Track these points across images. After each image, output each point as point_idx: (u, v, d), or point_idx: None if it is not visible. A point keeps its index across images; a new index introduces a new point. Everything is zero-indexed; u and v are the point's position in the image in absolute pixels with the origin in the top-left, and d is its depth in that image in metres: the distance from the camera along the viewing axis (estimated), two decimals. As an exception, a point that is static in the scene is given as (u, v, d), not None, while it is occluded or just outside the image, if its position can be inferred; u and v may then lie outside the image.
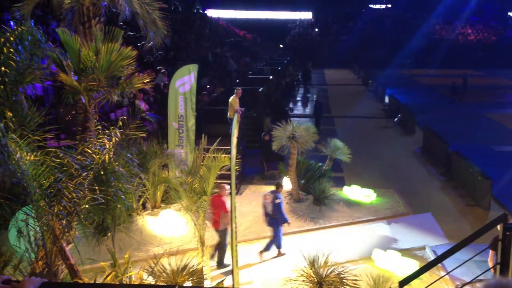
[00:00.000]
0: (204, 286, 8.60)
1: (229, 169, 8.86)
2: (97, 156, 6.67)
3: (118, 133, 7.05)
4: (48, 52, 8.33)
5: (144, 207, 12.99)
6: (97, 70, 8.70)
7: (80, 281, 7.00)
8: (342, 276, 7.57)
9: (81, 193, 6.34)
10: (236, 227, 8.73)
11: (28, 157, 6.09)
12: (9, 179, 6.18)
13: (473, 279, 7.25)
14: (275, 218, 11.02)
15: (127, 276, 7.96)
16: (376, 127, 25.38)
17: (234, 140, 8.98)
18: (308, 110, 30.51)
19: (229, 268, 9.95)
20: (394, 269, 10.14)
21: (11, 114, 6.61)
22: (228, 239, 10.33)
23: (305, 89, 39.95)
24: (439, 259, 6.47)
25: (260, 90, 23.24)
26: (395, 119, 25.24)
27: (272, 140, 14.04)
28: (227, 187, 10.69)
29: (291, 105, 31.12)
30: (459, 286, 8.95)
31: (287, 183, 13.78)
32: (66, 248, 6.96)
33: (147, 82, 9.74)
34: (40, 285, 3.17)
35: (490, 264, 7.98)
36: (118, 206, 6.85)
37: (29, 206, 6.24)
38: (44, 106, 12.07)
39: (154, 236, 11.62)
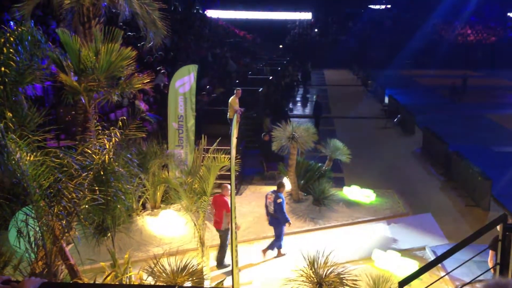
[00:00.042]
0: (204, 286, 8.60)
1: (229, 170, 8.86)
2: (97, 157, 6.67)
3: (118, 134, 7.05)
4: (48, 53, 8.34)
5: (144, 207, 12.99)
6: (97, 70, 8.71)
7: (80, 281, 7.00)
8: (342, 276, 7.57)
9: (81, 193, 6.34)
10: (235, 227, 8.73)
11: (28, 158, 6.09)
12: (9, 179, 6.18)
13: (473, 280, 7.25)
14: (276, 218, 11.03)
15: (126, 277, 7.97)
16: (375, 127, 25.39)
17: (233, 140, 8.98)
18: (307, 111, 30.51)
19: (229, 268, 9.96)
20: (394, 269, 10.14)
21: (11, 115, 6.61)
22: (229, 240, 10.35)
23: (304, 90, 39.96)
24: (439, 260, 6.47)
25: (260, 90, 23.24)
26: (395, 120, 25.25)
27: (271, 140, 14.05)
28: (229, 187, 10.73)
29: (290, 105, 31.13)
30: (459, 287, 8.95)
31: (286, 184, 13.77)
32: (66, 249, 6.97)
33: (147, 82, 9.75)
34: (40, 285, 3.17)
35: (490, 265, 7.99)
36: (118, 206, 6.85)
37: (29, 206, 6.24)
38: (44, 106, 12.07)
39: (154, 237, 11.63)
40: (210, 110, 18.05)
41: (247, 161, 16.25)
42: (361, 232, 12.33)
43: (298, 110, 31.23)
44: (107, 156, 6.67)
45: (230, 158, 8.80)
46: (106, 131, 7.07)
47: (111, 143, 6.85)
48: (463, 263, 6.61)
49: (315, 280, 7.52)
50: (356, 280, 7.66)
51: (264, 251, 11.00)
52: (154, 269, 7.74)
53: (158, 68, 19.84)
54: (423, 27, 57.17)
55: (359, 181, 14.99)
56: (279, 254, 11.10)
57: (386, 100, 31.61)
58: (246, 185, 15.38)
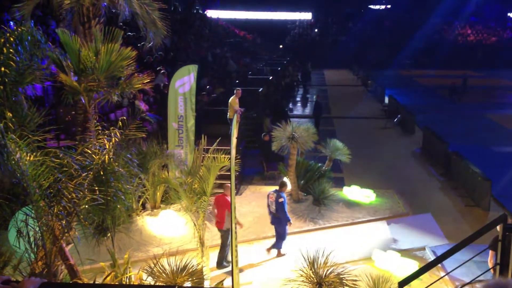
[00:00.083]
0: (204, 286, 8.60)
1: (229, 170, 8.86)
2: (97, 157, 6.67)
3: (118, 134, 7.05)
4: (48, 53, 8.34)
5: (143, 207, 12.99)
6: (97, 70, 8.71)
7: (80, 282, 7.00)
8: (341, 276, 7.56)
9: (81, 193, 6.34)
10: (236, 228, 8.73)
11: (27, 158, 6.09)
12: (8, 179, 6.18)
13: (472, 280, 7.25)
14: (278, 217, 11.04)
15: (126, 277, 7.97)
16: (375, 127, 25.39)
17: (233, 140, 8.97)
18: (307, 111, 30.51)
19: (229, 268, 9.96)
20: (394, 269, 10.14)
21: (11, 115, 6.61)
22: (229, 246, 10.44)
23: (304, 90, 39.96)
24: (439, 260, 6.47)
25: (260, 90, 23.24)
26: (395, 120, 25.25)
27: (271, 140, 14.05)
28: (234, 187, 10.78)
29: (290, 105, 31.13)
30: (459, 287, 8.95)
31: (288, 184, 13.78)
32: (66, 249, 6.96)
33: (147, 82, 9.75)
34: (40, 286, 3.17)
35: (490, 265, 7.98)
36: (118, 206, 6.85)
37: (29, 206, 6.24)
38: (44, 106, 12.07)
39: (153, 237, 11.63)
40: (210, 110, 18.05)
41: (247, 161, 16.25)
42: (361, 232, 12.33)
43: (298, 110, 31.23)
44: (107, 156, 6.67)
45: (230, 158, 8.79)
46: (106, 131, 7.07)
47: (111, 143, 6.85)
48: (463, 263, 6.61)
49: (315, 280, 7.51)
50: (356, 280, 7.64)
51: (269, 250, 11.06)
52: (154, 269, 7.73)
53: (158, 68, 19.84)
54: (423, 27, 57.18)
55: (359, 181, 14.99)
56: (279, 254, 11.11)
57: (386, 100, 31.62)
58: (246, 185, 15.38)
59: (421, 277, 6.26)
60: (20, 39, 7.13)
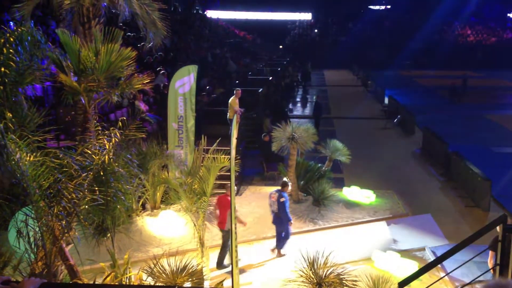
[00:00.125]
0: (204, 287, 8.60)
1: (229, 170, 8.86)
2: (97, 157, 6.67)
3: (118, 134, 7.05)
4: (48, 53, 8.35)
5: (143, 207, 12.99)
6: (96, 70, 8.71)
7: (80, 282, 7.00)
8: (341, 277, 7.55)
9: (81, 193, 6.34)
10: (236, 228, 8.72)
11: (27, 158, 6.09)
12: (8, 179, 6.18)
13: (472, 280, 7.25)
14: (280, 217, 11.05)
15: (126, 277, 7.96)
16: (375, 128, 25.39)
17: (233, 141, 8.98)
18: (307, 111, 30.52)
19: (229, 268, 9.96)
20: (394, 270, 10.14)
21: (11, 115, 6.61)
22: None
23: (304, 90, 39.97)
24: (439, 260, 6.47)
25: (260, 91, 23.24)
26: (395, 120, 25.25)
27: (271, 141, 14.04)
28: (235, 187, 10.79)
29: (290, 106, 31.13)
30: (459, 287, 8.95)
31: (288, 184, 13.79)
32: (66, 249, 6.96)
33: (147, 83, 9.75)
34: (40, 286, 3.17)
35: (490, 265, 7.98)
36: (118, 206, 6.85)
37: (29, 206, 6.23)
38: (43, 106, 12.06)
39: (153, 237, 11.63)
40: (210, 110, 18.05)
41: (247, 161, 16.25)
42: (361, 232, 12.33)
43: (298, 110, 31.23)
44: (107, 157, 6.67)
45: (230, 159, 8.79)
46: (106, 132, 7.07)
47: (111, 143, 6.86)
48: (463, 264, 6.60)
49: (315, 281, 7.51)
50: (355, 281, 7.64)
51: (273, 250, 11.10)
52: (154, 269, 7.73)
53: (158, 69, 19.83)
54: (423, 28, 57.20)
55: (359, 182, 14.99)
56: (279, 255, 11.11)
57: (386, 100, 31.62)
58: (246, 185, 15.38)
59: (421, 277, 6.26)
60: (20, 40, 7.13)
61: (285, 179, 13.79)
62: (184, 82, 13.55)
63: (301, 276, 7.66)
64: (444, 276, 8.86)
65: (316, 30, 65.54)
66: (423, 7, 62.36)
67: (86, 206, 6.47)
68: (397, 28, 60.78)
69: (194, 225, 9.34)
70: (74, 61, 8.82)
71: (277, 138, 13.53)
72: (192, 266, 7.86)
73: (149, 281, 7.72)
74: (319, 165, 14.79)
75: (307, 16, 67.79)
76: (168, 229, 11.80)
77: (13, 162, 5.95)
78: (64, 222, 6.30)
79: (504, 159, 18.71)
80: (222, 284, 8.72)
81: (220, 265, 10.55)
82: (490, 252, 7.98)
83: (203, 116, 16.82)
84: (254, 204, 13.63)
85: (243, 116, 16.60)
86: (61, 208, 6.26)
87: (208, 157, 9.56)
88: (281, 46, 58.08)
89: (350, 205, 13.77)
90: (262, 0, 63.31)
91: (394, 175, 16.88)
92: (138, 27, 11.84)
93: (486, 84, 42.16)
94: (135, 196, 11.18)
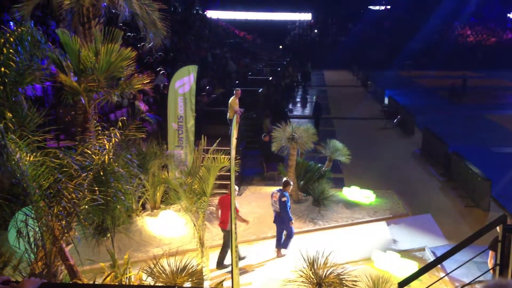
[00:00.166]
0: (204, 287, 8.59)
1: (229, 170, 8.86)
2: (97, 157, 6.67)
3: (118, 134, 7.05)
4: (48, 53, 8.35)
5: (143, 208, 12.99)
6: (96, 71, 8.71)
7: (80, 282, 7.00)
8: (341, 277, 7.55)
9: (81, 193, 6.34)
10: (236, 228, 8.72)
11: (27, 158, 6.10)
12: (8, 179, 6.18)
13: (472, 280, 7.25)
14: (281, 217, 11.06)
15: (126, 277, 7.96)
16: (375, 128, 25.40)
17: (233, 141, 8.98)
18: (307, 111, 30.53)
19: (229, 268, 9.95)
20: (394, 270, 10.14)
21: (10, 115, 6.61)
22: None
23: (304, 90, 39.98)
24: (439, 260, 6.47)
25: (260, 91, 23.24)
26: (395, 120, 25.26)
27: (271, 141, 14.04)
28: (236, 187, 10.82)
29: (290, 106, 31.14)
30: (459, 287, 8.95)
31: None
32: (66, 249, 6.96)
33: (147, 83, 9.76)
34: (40, 286, 3.17)
35: (490, 265, 7.98)
36: (118, 207, 6.85)
37: (29, 206, 6.23)
38: (43, 106, 12.06)
39: (153, 237, 11.62)
40: (209, 110, 18.06)
41: (247, 161, 16.25)
42: (361, 233, 12.32)
43: (298, 110, 31.24)
44: (106, 157, 6.67)
45: (229, 159, 8.79)
46: (106, 132, 7.07)
47: (111, 143, 6.86)
48: (463, 264, 6.60)
49: (315, 281, 7.50)
50: (355, 281, 7.64)
51: (279, 250, 11.07)
52: (154, 269, 7.72)
53: (158, 69, 19.84)
54: (423, 28, 57.23)
55: (359, 182, 14.99)
56: (279, 255, 11.11)
57: (386, 101, 31.64)
58: (246, 185, 15.37)
59: (420, 277, 6.26)
60: (20, 40, 7.13)
61: (285, 178, 13.82)
62: (184, 82, 13.55)
63: (301, 276, 7.66)
64: (444, 276, 8.85)
65: (316, 31, 65.57)
66: (423, 8, 62.38)
67: (86, 206, 6.47)
68: (397, 29, 60.81)
69: (194, 225, 9.34)
70: (74, 61, 8.83)
71: (277, 138, 13.53)
72: (192, 266, 7.86)
73: (149, 281, 7.72)
74: (319, 165, 14.79)
75: (307, 16, 67.81)
76: (168, 229, 11.80)
77: (13, 162, 5.95)
78: (64, 222, 6.30)
79: (504, 159, 18.71)
80: (222, 284, 8.72)
81: (220, 265, 10.55)
82: (490, 252, 7.98)
83: (203, 116, 16.82)
84: (254, 204, 13.63)
85: (243, 116, 16.61)
86: (61, 208, 6.26)
87: (208, 157, 9.56)
88: (281, 46, 58.11)
89: (350, 205, 13.77)
90: (262, 1, 63.32)
91: (394, 175, 16.88)
92: (138, 27, 11.84)
93: (486, 84, 42.18)
94: (135, 196, 11.18)
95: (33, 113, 7.21)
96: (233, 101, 15.42)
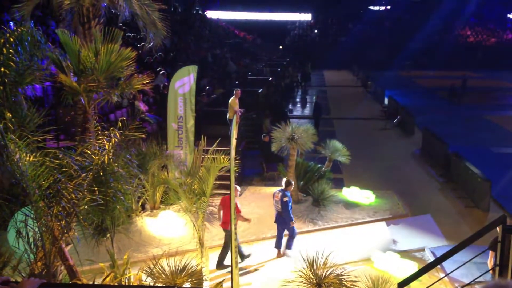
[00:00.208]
0: (203, 287, 8.59)
1: (229, 171, 8.86)
2: (97, 157, 6.66)
3: (118, 134, 7.05)
4: (47, 53, 8.35)
5: (143, 208, 12.99)
6: (96, 71, 8.71)
7: (79, 282, 7.00)
8: (341, 277, 7.55)
9: (80, 194, 6.34)
10: (236, 228, 8.73)
11: (27, 158, 6.09)
12: (8, 180, 6.18)
13: (472, 281, 7.25)
14: (283, 216, 11.06)
15: (126, 277, 7.96)
16: (375, 128, 25.40)
17: (233, 141, 8.97)
18: (307, 112, 30.52)
19: (229, 269, 9.95)
20: (393, 270, 10.13)
21: (10, 115, 6.61)
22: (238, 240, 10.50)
23: (304, 91, 39.97)
24: (438, 261, 6.47)
25: (260, 91, 23.25)
26: (394, 121, 25.26)
27: (271, 141, 14.04)
28: (239, 188, 10.82)
29: (290, 106, 31.14)
30: (458, 288, 8.95)
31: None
32: (65, 249, 6.96)
33: (147, 83, 9.75)
34: (39, 286, 3.17)
35: (490, 265, 7.98)
36: (117, 207, 6.85)
37: (28, 207, 6.23)
38: (43, 107, 12.06)
39: (153, 237, 11.62)
40: (209, 111, 18.06)
41: (246, 162, 16.24)
42: (361, 233, 12.32)
43: (297, 111, 31.24)
44: (106, 157, 6.67)
45: (229, 159, 8.79)
46: (106, 132, 7.07)
47: (110, 143, 6.85)
48: (463, 265, 6.61)
49: (314, 281, 7.51)
50: (355, 281, 7.64)
51: (285, 251, 11.07)
52: (153, 269, 7.73)
53: (157, 69, 19.84)
54: (423, 28, 57.25)
55: (359, 182, 14.99)
56: (278, 255, 11.11)
57: (386, 101, 31.64)
58: (245, 186, 15.37)
59: (420, 278, 6.26)
60: (20, 40, 7.13)
61: (287, 178, 13.83)
62: (184, 82, 13.55)
63: (301, 276, 7.66)
64: (443, 277, 8.85)
65: (316, 31, 65.58)
66: (423, 8, 62.39)
67: (86, 206, 6.47)
68: (397, 29, 60.83)
69: (194, 225, 9.34)
70: (74, 61, 8.82)
71: (277, 139, 13.53)
72: (192, 267, 7.86)
73: (149, 281, 7.72)
74: (319, 165, 14.79)
75: (307, 16, 67.82)
76: (168, 230, 11.80)
77: (13, 162, 5.95)
78: (63, 222, 6.30)
79: (504, 159, 18.72)
80: (222, 285, 8.72)
81: (220, 265, 10.54)
82: (490, 252, 7.98)
83: (203, 116, 16.82)
84: (253, 205, 13.63)
85: (242, 116, 16.60)
86: (60, 208, 6.26)
87: (208, 157, 9.55)
88: (281, 47, 58.11)
89: (350, 205, 13.77)
90: (262, 1, 63.32)
91: (394, 175, 16.88)
92: (138, 28, 11.84)
93: (485, 85, 42.18)
94: (135, 196, 11.18)
95: (32, 113, 7.21)
96: (233, 101, 15.42)
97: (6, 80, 6.84)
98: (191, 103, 13.62)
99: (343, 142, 15.44)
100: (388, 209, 13.64)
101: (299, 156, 14.53)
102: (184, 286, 7.63)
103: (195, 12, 47.77)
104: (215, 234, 11.26)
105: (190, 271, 7.77)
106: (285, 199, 10.96)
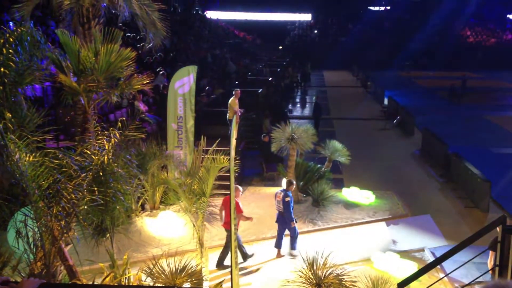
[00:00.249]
0: (203, 287, 8.59)
1: (228, 171, 8.85)
2: (96, 157, 6.66)
3: (117, 134, 7.05)
4: (47, 53, 8.34)
5: (143, 208, 12.98)
6: (96, 71, 8.70)
7: (79, 282, 6.99)
8: (340, 277, 7.55)
9: (80, 194, 6.33)
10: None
11: (27, 158, 6.09)
12: (8, 180, 6.18)
13: (472, 281, 7.25)
14: (284, 216, 11.06)
15: (125, 277, 7.96)
16: (375, 128, 25.40)
17: (233, 141, 8.97)
18: (307, 112, 30.52)
19: (228, 269, 9.95)
20: (393, 270, 10.13)
21: (10, 115, 6.61)
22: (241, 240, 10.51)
23: (304, 91, 39.97)
24: (438, 261, 6.47)
25: (260, 91, 23.25)
26: (394, 121, 25.26)
27: (271, 141, 14.04)
28: (241, 188, 10.81)
29: (290, 106, 31.14)
30: (458, 288, 8.95)
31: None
32: (65, 249, 6.96)
33: (147, 83, 9.75)
34: (39, 286, 3.17)
35: (490, 265, 7.98)
36: (117, 207, 6.85)
37: (28, 207, 6.23)
38: (43, 107, 12.07)
39: (153, 237, 11.62)
40: (209, 111, 18.06)
41: (246, 162, 16.24)
42: (360, 233, 12.32)
43: (297, 111, 31.23)
44: (106, 157, 6.66)
45: (229, 159, 8.79)
46: (105, 132, 7.06)
47: (110, 144, 6.85)
48: (462, 265, 6.60)
49: (314, 282, 7.51)
50: (355, 282, 7.64)
51: (291, 253, 11.05)
52: (153, 270, 7.73)
53: (157, 69, 19.85)
54: (423, 29, 57.25)
55: (359, 183, 14.99)
56: (278, 255, 11.10)
57: (386, 101, 31.64)
58: (245, 186, 15.36)
59: (420, 278, 6.26)
60: (20, 40, 7.13)
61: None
62: (184, 82, 13.55)
63: (301, 276, 7.66)
64: (443, 277, 8.85)
65: (315, 31, 65.55)
66: (423, 8, 62.39)
67: (85, 207, 6.47)
68: (397, 29, 60.79)
69: (194, 225, 9.34)
70: (74, 61, 8.82)
71: (277, 139, 13.53)
72: (191, 267, 7.86)
73: (148, 281, 7.72)
74: (319, 165, 14.78)
75: (307, 17, 67.80)
76: (167, 230, 11.80)
77: (13, 163, 5.95)
78: (63, 223, 6.29)
79: (504, 160, 18.72)
80: (221, 285, 8.72)
81: (220, 264, 10.55)
82: (491, 253, 7.98)
83: (203, 116, 16.82)
84: (253, 205, 13.62)
85: (242, 116, 16.60)
86: (60, 209, 6.26)
87: (208, 157, 9.55)
88: (280, 47, 58.10)
89: (350, 205, 13.77)
90: (261, 1, 63.31)
91: (394, 176, 16.89)
92: (138, 28, 11.83)
93: (485, 85, 42.18)
94: (135, 196, 11.17)
95: (32, 114, 7.21)
96: (233, 101, 15.42)
97: (6, 80, 6.84)
98: (190, 103, 13.62)
99: (343, 142, 15.44)
100: (388, 209, 13.64)
101: (298, 156, 14.53)
102: (183, 286, 7.63)
103: (194, 12, 47.78)
104: (214, 234, 11.26)
105: (189, 271, 7.77)
106: (287, 199, 10.97)
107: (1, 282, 3.22)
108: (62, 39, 8.82)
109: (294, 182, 11.79)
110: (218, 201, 10.62)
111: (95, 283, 7.68)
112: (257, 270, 10.56)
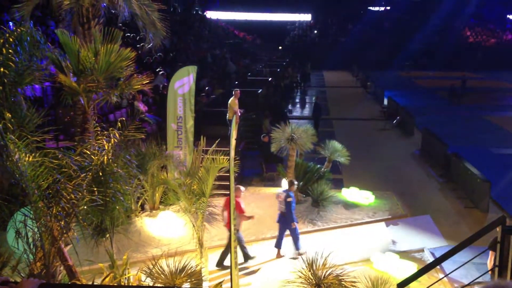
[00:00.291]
0: (203, 287, 8.59)
1: (228, 171, 8.86)
2: (96, 157, 6.66)
3: (117, 134, 7.04)
4: (47, 53, 8.33)
5: (142, 208, 12.98)
6: (96, 71, 8.70)
7: (78, 283, 6.99)
8: (340, 278, 7.55)
9: (80, 194, 6.33)
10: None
11: (26, 158, 6.09)
12: (7, 180, 6.18)
13: (471, 281, 7.25)
14: (285, 217, 11.06)
15: (125, 278, 7.96)
16: (375, 129, 25.40)
17: (233, 141, 8.98)
18: (307, 112, 30.52)
19: (228, 269, 9.95)
20: (393, 271, 10.14)
21: (10, 115, 6.61)
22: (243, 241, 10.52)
23: (303, 91, 39.96)
24: (438, 261, 6.48)
25: (259, 91, 23.24)
26: (394, 121, 25.27)
27: (271, 141, 14.04)
28: (243, 188, 10.84)
29: (290, 106, 31.14)
30: (458, 288, 8.95)
31: (285, 185, 13.77)
32: (65, 249, 6.96)
33: (146, 83, 9.74)
34: (38, 286, 3.17)
35: (490, 265, 7.98)
36: (117, 207, 6.84)
37: (28, 207, 6.23)
38: (43, 107, 12.06)
39: (152, 238, 11.62)
40: (209, 111, 18.06)
41: (246, 162, 16.24)
42: (360, 233, 12.33)
43: (297, 111, 31.23)
44: (106, 157, 6.66)
45: (229, 160, 8.79)
46: (105, 132, 7.06)
47: (110, 144, 6.85)
48: (462, 265, 6.60)
49: (314, 282, 7.50)
50: (354, 282, 7.64)
51: (295, 255, 11.03)
52: (153, 270, 7.72)
53: (157, 69, 19.84)
54: (423, 29, 57.25)
55: (358, 183, 14.99)
56: (278, 255, 11.10)
57: (386, 101, 31.65)
58: (245, 186, 15.29)
59: (419, 278, 6.26)
60: (20, 40, 7.13)
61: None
62: (184, 82, 13.55)
63: (300, 277, 7.66)
64: (443, 277, 8.85)
65: (315, 31, 65.54)
66: (422, 8, 62.39)
67: (85, 207, 6.46)
68: (397, 29, 60.77)
69: (193, 225, 9.33)
70: (74, 61, 8.81)
71: (277, 139, 13.53)
72: (191, 267, 7.86)
73: (148, 281, 7.72)
74: (318, 166, 14.78)
75: (306, 17, 67.81)
76: (167, 230, 11.80)
77: (12, 163, 5.95)
78: (63, 223, 6.29)
79: (504, 160, 18.72)
80: (221, 285, 8.72)
81: (220, 264, 10.55)
82: (490, 253, 7.97)
83: (202, 116, 16.82)
84: (253, 205, 13.61)
85: (242, 116, 16.60)
86: (60, 209, 6.25)
87: (207, 158, 9.55)
88: (280, 47, 58.11)
89: (349, 206, 13.77)
90: (261, 1, 63.32)
91: (393, 176, 16.89)
92: (138, 28, 11.82)
93: (485, 86, 42.18)
94: (134, 196, 11.18)
95: (32, 114, 7.20)
96: (233, 101, 15.41)
97: (6, 80, 6.84)
98: (190, 104, 13.62)
99: (343, 142, 15.44)
100: (388, 210, 13.64)
101: (298, 156, 14.53)
102: (183, 286, 7.63)
103: (194, 12, 47.78)
104: (214, 235, 11.26)
105: (189, 271, 7.77)
106: (289, 199, 10.98)
107: (1, 282, 3.22)
108: (62, 39, 8.82)
109: (296, 182, 11.80)
110: (218, 201, 10.61)
111: (95, 283, 7.68)
112: (257, 270, 10.56)
